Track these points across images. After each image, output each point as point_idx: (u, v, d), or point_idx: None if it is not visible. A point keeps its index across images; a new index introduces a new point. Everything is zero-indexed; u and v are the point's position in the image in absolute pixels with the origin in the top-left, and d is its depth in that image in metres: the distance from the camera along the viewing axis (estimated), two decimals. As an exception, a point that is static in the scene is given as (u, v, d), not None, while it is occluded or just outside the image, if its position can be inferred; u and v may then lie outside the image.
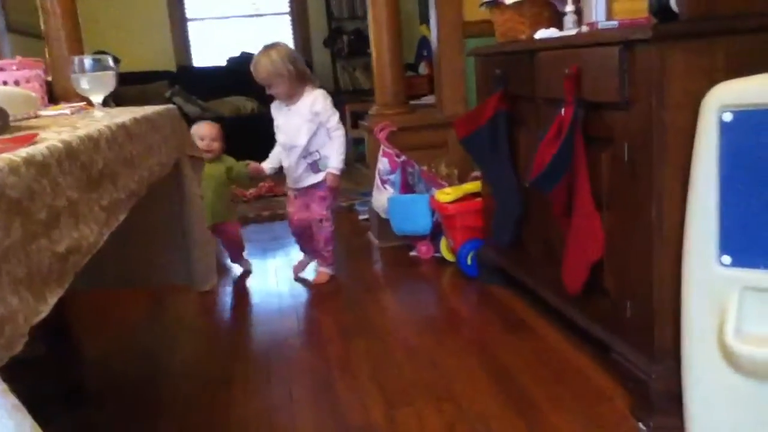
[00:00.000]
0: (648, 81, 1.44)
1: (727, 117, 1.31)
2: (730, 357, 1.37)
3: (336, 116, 2.71)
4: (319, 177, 2.73)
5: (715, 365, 1.40)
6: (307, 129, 2.67)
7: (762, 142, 1.29)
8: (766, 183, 1.30)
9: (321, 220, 2.78)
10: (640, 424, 1.56)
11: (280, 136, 2.78)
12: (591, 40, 1.71)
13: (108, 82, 1.50)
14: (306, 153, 2.70)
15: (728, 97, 1.31)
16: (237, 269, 3.14)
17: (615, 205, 1.65)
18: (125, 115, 1.49)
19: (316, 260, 2.94)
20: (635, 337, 1.60)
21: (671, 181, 1.45)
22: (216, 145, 2.91)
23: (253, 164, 2.91)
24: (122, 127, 1.27)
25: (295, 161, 2.73)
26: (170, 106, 2.05)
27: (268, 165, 2.86)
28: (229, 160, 2.97)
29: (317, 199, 2.78)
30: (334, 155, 2.69)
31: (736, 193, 1.29)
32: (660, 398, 1.52)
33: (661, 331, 1.52)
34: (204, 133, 2.90)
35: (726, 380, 1.40)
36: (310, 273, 2.98)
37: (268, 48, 2.68)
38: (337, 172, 2.70)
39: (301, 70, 2.66)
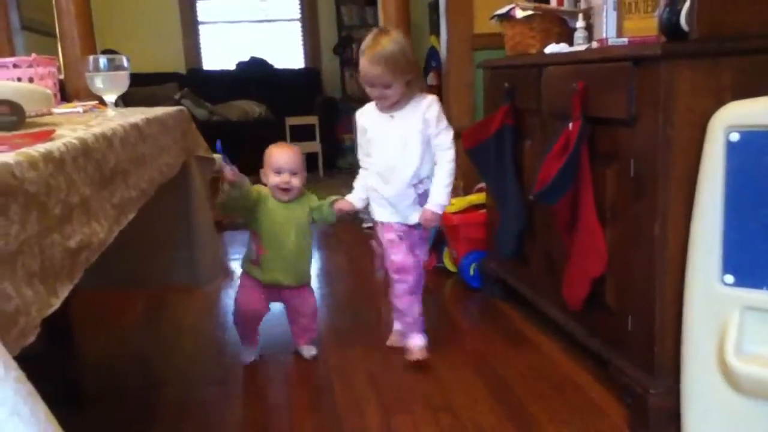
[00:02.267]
0: (655, 98, 1.45)
1: (734, 137, 1.32)
2: (729, 376, 1.38)
3: (451, 132, 1.99)
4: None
5: (714, 384, 1.41)
6: (418, 144, 1.95)
7: (763, 163, 1.30)
8: (763, 202, 1.31)
9: (420, 263, 2.10)
10: (638, 440, 1.57)
11: (375, 155, 2.03)
12: (600, 55, 1.73)
13: (121, 81, 1.52)
14: (417, 179, 1.98)
15: (735, 117, 1.32)
16: (305, 351, 2.17)
17: (619, 221, 1.66)
18: (137, 115, 1.50)
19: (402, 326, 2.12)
20: (635, 352, 1.61)
21: (676, 198, 1.46)
22: (296, 182, 2.00)
23: (339, 201, 2.09)
24: (135, 126, 1.29)
25: (400, 190, 1.98)
26: (180, 107, 2.07)
27: (357, 197, 2.11)
28: (313, 199, 2.10)
29: (419, 241, 2.10)
30: (439, 184, 1.97)
31: (740, 212, 1.30)
32: (658, 414, 1.52)
33: (661, 348, 1.52)
34: (282, 163, 2.00)
35: (725, 399, 1.40)
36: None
37: (384, 31, 1.96)
38: (440, 210, 1.99)
39: (418, 66, 2.04)
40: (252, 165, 2.94)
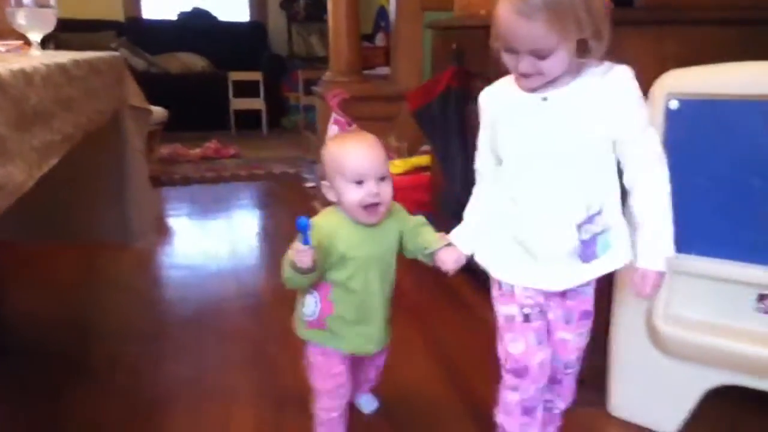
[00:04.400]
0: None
1: (674, 105, 1.34)
2: (656, 338, 1.42)
3: (655, 132, 1.17)
4: (599, 267, 1.17)
5: (641, 344, 1.45)
6: (594, 149, 1.11)
7: (702, 131, 1.32)
8: (702, 171, 1.34)
9: (577, 359, 1.29)
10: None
11: (509, 165, 1.17)
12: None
13: (47, 20, 1.43)
14: (587, 211, 1.12)
15: (675, 85, 1.34)
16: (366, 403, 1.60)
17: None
18: (64, 56, 1.41)
19: None
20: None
21: (616, 164, 1.46)
22: (388, 190, 1.25)
23: (444, 253, 1.28)
24: (61, 67, 1.21)
25: (553, 230, 1.13)
26: (114, 53, 1.96)
27: (466, 238, 1.27)
28: (401, 214, 1.35)
29: (577, 315, 1.25)
30: (656, 219, 1.13)
31: (675, 180, 1.32)
32: (586, 371, 1.56)
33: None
34: (364, 166, 1.22)
35: (651, 360, 1.45)
36: None
37: None
38: (664, 267, 1.13)
39: (602, 12, 1.06)
40: (193, 120, 2.84)
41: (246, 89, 5.69)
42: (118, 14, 6.16)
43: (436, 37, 2.54)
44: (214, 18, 6.35)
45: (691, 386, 1.43)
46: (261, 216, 3.53)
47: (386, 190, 1.23)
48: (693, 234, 1.33)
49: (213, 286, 2.35)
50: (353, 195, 1.21)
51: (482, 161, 1.26)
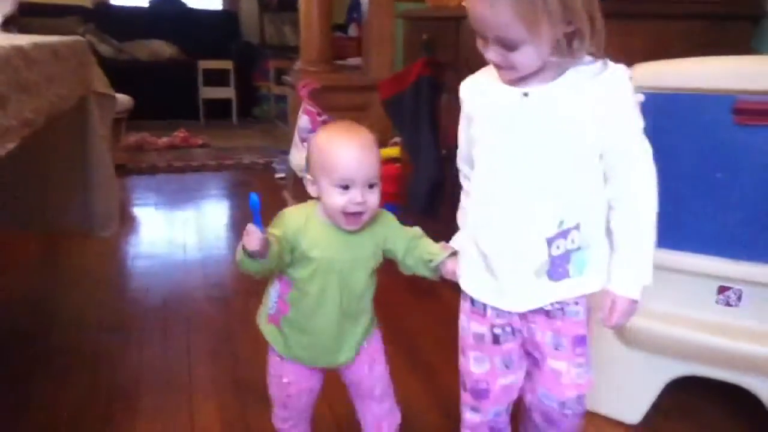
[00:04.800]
0: (569, 56, 1.46)
1: (639, 98, 1.34)
2: (620, 330, 1.43)
3: (646, 140, 1.01)
4: (571, 287, 1.04)
5: (605, 337, 1.47)
6: (574, 154, 0.99)
7: (668, 124, 1.34)
8: (666, 164, 1.34)
9: (577, 398, 1.10)
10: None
11: (481, 168, 1.07)
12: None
13: (6, 1, 1.38)
14: (559, 224, 1.00)
15: (642, 78, 1.35)
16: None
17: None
18: (23, 38, 1.37)
19: None
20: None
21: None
22: (374, 199, 1.10)
23: (451, 263, 1.13)
24: (18, 49, 1.18)
25: (520, 244, 1.02)
26: (78, 37, 1.91)
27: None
28: (387, 219, 1.19)
29: (569, 341, 1.08)
30: (634, 240, 1.01)
31: (640, 172, 1.34)
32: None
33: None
34: (352, 170, 1.07)
35: (614, 351, 1.47)
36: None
37: None
38: (638, 295, 1.02)
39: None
40: (162, 109, 2.78)
41: (216, 78, 5.62)
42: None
43: (407, 28, 2.53)
44: (185, 5, 6.26)
45: (654, 377, 1.45)
46: (229, 206, 3.49)
47: (373, 199, 1.09)
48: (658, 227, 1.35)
49: (179, 276, 2.32)
50: (336, 200, 1.07)
51: (462, 158, 1.14)
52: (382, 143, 3.04)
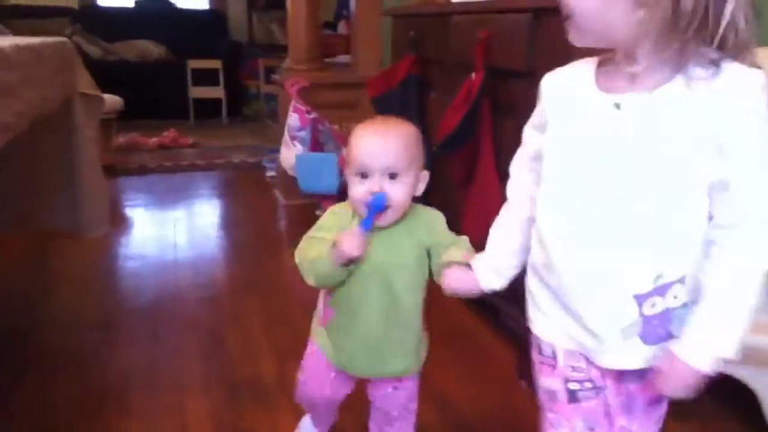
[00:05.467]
0: (553, 51, 1.46)
1: None
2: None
3: None
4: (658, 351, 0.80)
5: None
6: (681, 187, 0.74)
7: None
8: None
9: None
10: (523, 383, 1.62)
11: (552, 186, 0.83)
12: (504, 6, 1.72)
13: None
14: (657, 275, 0.77)
15: None
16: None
17: (515, 173, 1.67)
18: (5, 41, 1.37)
19: None
20: (524, 299, 1.65)
21: (569, 151, 1.46)
22: (399, 192, 1.02)
23: (452, 273, 1.03)
24: (-1, 51, 1.17)
25: (600, 292, 0.79)
26: (63, 38, 1.91)
27: (487, 268, 1.00)
28: (425, 218, 1.12)
29: (643, 401, 0.87)
30: (723, 301, 0.75)
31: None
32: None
33: (548, 296, 1.56)
34: (368, 155, 1.02)
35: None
36: None
37: None
38: (708, 368, 0.75)
39: None
40: (151, 109, 2.77)
41: (205, 77, 5.60)
42: (72, 1, 6.00)
43: (395, 25, 2.53)
44: (172, 5, 6.23)
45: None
46: (219, 206, 3.49)
47: (396, 192, 1.01)
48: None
49: (169, 276, 2.31)
50: (356, 189, 1.02)
51: (519, 165, 0.93)
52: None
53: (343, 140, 3.02)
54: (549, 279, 0.84)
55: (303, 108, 3.03)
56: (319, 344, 1.17)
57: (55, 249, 2.54)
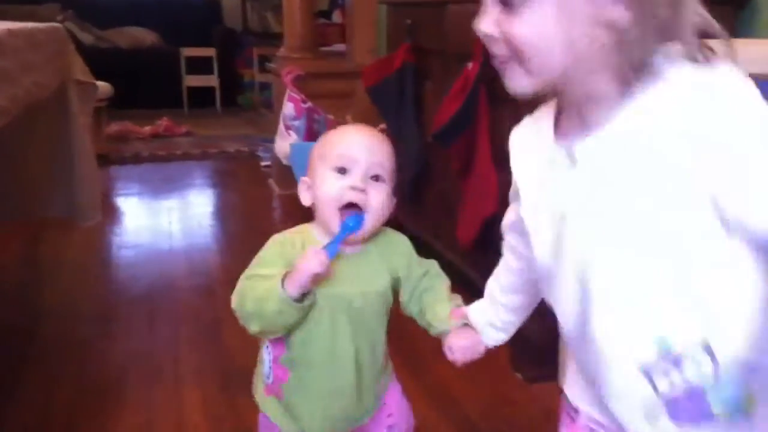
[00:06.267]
0: (552, 41, 1.45)
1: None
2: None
3: None
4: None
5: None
6: (665, 229, 0.58)
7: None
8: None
9: None
10: (519, 375, 1.62)
11: (535, 264, 0.74)
12: (502, -4, 1.71)
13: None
14: (660, 344, 0.60)
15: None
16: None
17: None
18: (-1, 26, 1.35)
19: None
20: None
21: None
22: (378, 201, 0.88)
23: (454, 336, 0.95)
24: (-8, 36, 1.15)
25: (613, 363, 0.64)
26: (55, 24, 1.89)
27: (485, 324, 0.92)
28: (398, 245, 1.00)
29: None
30: None
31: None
32: (539, 351, 1.58)
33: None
34: (353, 149, 0.89)
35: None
36: None
37: None
38: None
39: None
40: (144, 97, 2.75)
41: (199, 65, 5.57)
42: (63, -14, 5.93)
43: (390, 13, 2.51)
44: (166, -8, 6.19)
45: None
46: (214, 195, 3.47)
47: (376, 196, 0.87)
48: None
49: (164, 266, 2.31)
50: (330, 186, 0.86)
51: (508, 227, 0.82)
52: (367, 130, 3.03)
53: (338, 130, 3.01)
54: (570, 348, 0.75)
55: (298, 97, 3.02)
56: (269, 415, 0.95)
57: (49, 239, 2.53)
